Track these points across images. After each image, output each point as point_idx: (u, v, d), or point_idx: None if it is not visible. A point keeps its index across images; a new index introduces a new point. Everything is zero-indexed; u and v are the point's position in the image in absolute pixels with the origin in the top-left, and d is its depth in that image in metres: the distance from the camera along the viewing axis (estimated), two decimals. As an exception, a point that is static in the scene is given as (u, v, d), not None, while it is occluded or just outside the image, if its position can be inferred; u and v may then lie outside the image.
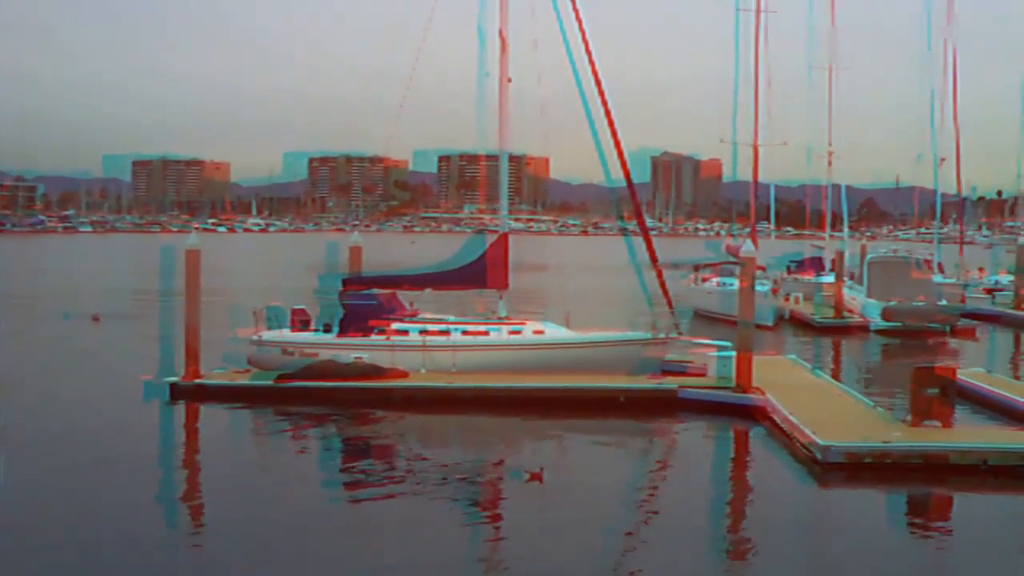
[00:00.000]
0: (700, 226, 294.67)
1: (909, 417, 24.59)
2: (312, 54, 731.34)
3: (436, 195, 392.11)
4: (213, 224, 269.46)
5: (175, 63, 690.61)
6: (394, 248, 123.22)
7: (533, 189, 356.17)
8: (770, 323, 47.11)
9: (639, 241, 34.09)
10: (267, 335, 32.72)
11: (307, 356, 31.39)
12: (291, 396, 29.49)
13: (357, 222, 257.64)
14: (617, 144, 32.88)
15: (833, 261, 57.72)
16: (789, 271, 66.70)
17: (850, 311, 51.83)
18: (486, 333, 32.48)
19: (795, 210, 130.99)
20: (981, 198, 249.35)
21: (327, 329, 33.02)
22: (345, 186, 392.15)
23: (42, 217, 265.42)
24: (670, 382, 30.02)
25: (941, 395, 24.22)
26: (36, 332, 48.56)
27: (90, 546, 17.71)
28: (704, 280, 56.58)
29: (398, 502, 20.76)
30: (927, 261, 55.46)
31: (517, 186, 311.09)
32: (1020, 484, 21.74)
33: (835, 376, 34.87)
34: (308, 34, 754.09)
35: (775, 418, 26.04)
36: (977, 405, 28.75)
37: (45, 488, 21.04)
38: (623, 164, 33.64)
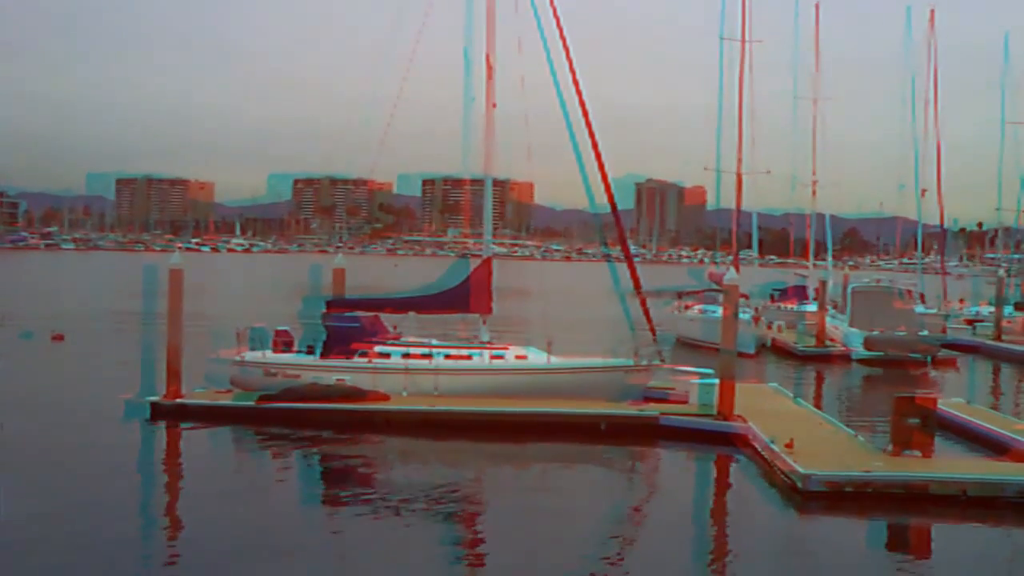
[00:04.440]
0: (684, 253, 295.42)
1: (890, 446, 24.68)
2: (298, 76, 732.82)
3: (420, 218, 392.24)
4: (196, 244, 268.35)
5: (160, 82, 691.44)
6: (377, 271, 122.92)
7: (517, 214, 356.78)
8: (751, 351, 47.22)
9: (623, 268, 34.16)
10: (250, 356, 32.65)
11: (289, 377, 31.39)
12: (272, 417, 29.40)
13: (341, 244, 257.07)
14: (602, 170, 33.01)
15: (816, 290, 57.96)
16: (772, 299, 66.88)
17: (832, 340, 52.04)
18: (468, 357, 32.48)
19: (779, 239, 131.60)
20: (962, 229, 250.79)
21: (310, 351, 32.99)
22: (329, 208, 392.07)
23: (24, 234, 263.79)
24: (652, 409, 30.03)
25: (922, 425, 24.33)
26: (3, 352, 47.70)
27: (67, 566, 17.58)
28: (687, 307, 56.73)
29: (378, 525, 20.70)
30: (909, 291, 55.72)
31: (501, 211, 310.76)
32: (999, 515, 21.78)
33: (816, 405, 34.92)
34: (294, 56, 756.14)
35: (756, 446, 26.08)
36: (957, 435, 28.86)
37: (22, 508, 20.82)
38: (608, 191, 33.77)
